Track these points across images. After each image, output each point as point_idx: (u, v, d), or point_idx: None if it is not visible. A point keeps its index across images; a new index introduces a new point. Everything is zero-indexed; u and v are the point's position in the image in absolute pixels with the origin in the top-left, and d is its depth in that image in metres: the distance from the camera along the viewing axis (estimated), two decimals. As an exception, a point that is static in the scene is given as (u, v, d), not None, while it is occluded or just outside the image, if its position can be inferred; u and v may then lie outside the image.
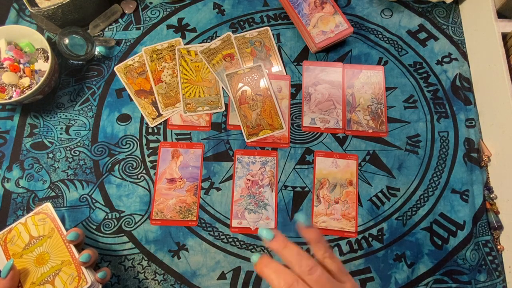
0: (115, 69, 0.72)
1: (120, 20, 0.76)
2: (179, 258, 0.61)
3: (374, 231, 0.63)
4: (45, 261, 0.46)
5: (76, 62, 0.72)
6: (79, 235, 0.48)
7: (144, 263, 0.61)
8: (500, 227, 0.62)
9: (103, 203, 0.64)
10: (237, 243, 0.62)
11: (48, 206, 0.50)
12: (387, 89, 0.71)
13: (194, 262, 0.61)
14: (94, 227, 0.62)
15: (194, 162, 0.66)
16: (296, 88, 0.71)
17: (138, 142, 0.68)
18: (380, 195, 0.65)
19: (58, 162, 0.66)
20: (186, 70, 0.71)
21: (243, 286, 0.60)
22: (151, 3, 0.78)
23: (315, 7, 0.71)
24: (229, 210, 0.64)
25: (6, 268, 0.40)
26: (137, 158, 0.66)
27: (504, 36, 0.66)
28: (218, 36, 0.74)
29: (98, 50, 0.73)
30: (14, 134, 0.68)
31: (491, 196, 0.64)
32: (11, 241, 0.47)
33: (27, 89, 0.65)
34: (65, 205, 0.63)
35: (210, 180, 0.65)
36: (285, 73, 0.72)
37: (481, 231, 0.63)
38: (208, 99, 0.70)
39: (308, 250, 0.37)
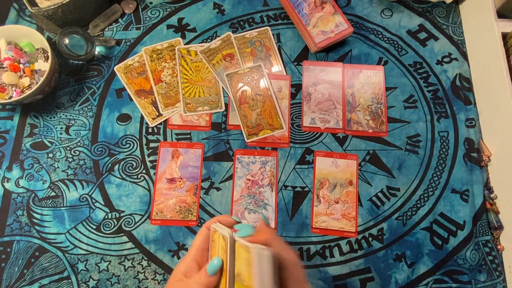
0: (115, 69, 0.72)
1: (120, 20, 0.76)
2: (179, 258, 0.61)
3: (374, 231, 0.63)
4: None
5: (76, 62, 0.72)
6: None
7: (144, 263, 0.61)
8: (500, 227, 0.62)
9: (103, 203, 0.64)
10: (237, 243, 0.62)
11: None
12: (387, 89, 0.71)
13: (194, 262, 0.61)
14: (94, 227, 0.62)
15: (194, 162, 0.66)
16: (296, 88, 0.71)
17: (138, 142, 0.68)
18: (380, 195, 0.65)
19: (58, 162, 0.66)
20: (186, 70, 0.71)
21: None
22: (151, 3, 0.78)
23: (315, 7, 0.71)
24: (229, 210, 0.64)
25: (216, 266, 0.33)
26: (137, 158, 0.66)
27: (504, 36, 0.66)
28: (218, 36, 0.74)
29: (98, 50, 0.73)
30: (14, 134, 0.67)
31: (491, 196, 0.64)
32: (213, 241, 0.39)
33: (27, 89, 0.65)
34: (65, 205, 0.63)
35: (210, 180, 0.65)
36: (285, 73, 0.72)
37: (481, 231, 0.63)
38: (208, 99, 0.70)
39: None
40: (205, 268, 0.35)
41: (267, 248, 0.35)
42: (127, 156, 0.67)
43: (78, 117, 0.69)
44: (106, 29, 0.75)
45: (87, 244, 0.62)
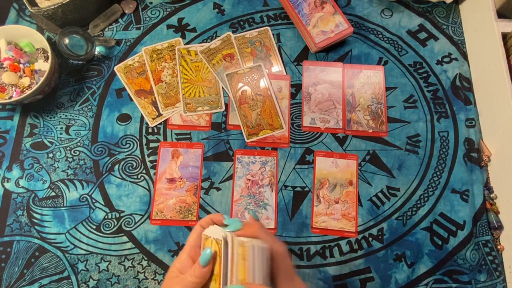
0: (115, 69, 0.72)
1: (120, 20, 0.76)
2: (179, 258, 0.61)
3: (374, 231, 0.63)
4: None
5: (76, 62, 0.72)
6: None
7: (144, 263, 0.61)
8: (500, 227, 0.62)
9: (103, 203, 0.64)
10: (237, 243, 0.62)
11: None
12: (387, 89, 0.71)
13: (194, 262, 0.61)
14: (94, 227, 0.62)
15: (194, 162, 0.66)
16: (296, 88, 0.71)
17: (138, 142, 0.68)
18: (380, 195, 0.65)
19: (58, 162, 0.66)
20: (186, 70, 0.71)
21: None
22: (151, 3, 0.78)
23: (315, 7, 0.71)
24: (229, 210, 0.64)
25: (207, 256, 0.35)
26: (137, 158, 0.66)
27: (504, 36, 0.66)
28: (218, 36, 0.74)
29: (98, 50, 0.73)
30: (14, 134, 0.68)
31: (491, 196, 0.64)
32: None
33: (27, 89, 0.65)
34: (65, 205, 0.63)
35: (210, 180, 0.65)
36: (285, 73, 0.72)
37: (481, 231, 0.63)
38: (208, 99, 0.70)
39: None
40: (198, 261, 0.36)
41: (261, 241, 0.38)
42: (127, 156, 0.67)
43: (78, 117, 0.69)
44: (106, 29, 0.75)
45: (87, 244, 0.62)
